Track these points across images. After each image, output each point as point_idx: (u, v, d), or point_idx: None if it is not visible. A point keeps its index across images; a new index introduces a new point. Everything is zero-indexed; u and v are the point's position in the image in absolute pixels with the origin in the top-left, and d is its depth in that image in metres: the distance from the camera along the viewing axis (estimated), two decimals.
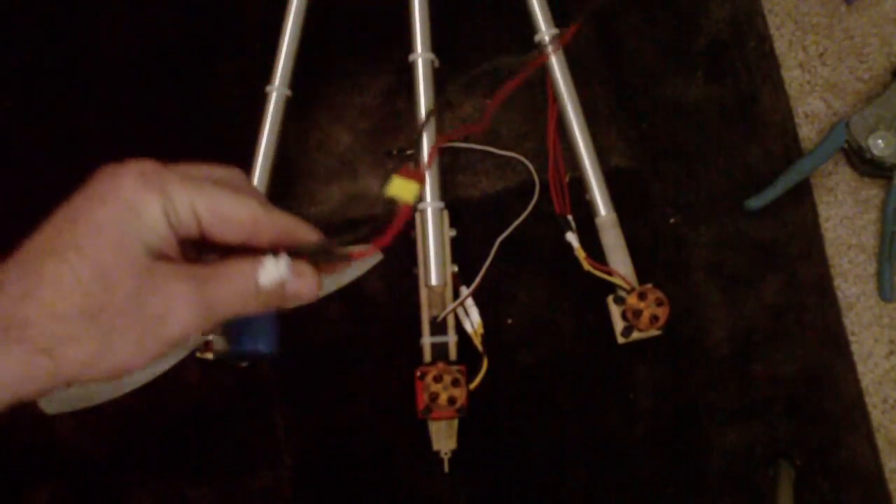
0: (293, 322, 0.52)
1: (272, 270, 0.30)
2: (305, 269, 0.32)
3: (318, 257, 0.32)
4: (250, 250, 0.31)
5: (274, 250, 0.31)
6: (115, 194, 0.29)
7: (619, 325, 0.53)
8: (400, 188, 0.36)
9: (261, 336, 0.37)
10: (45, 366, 0.28)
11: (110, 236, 0.29)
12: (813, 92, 0.60)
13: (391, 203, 0.35)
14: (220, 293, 0.30)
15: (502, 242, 0.56)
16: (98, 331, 0.28)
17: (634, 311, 0.52)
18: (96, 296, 0.28)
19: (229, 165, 0.33)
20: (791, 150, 0.58)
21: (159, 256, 0.29)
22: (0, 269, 0.29)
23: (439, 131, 0.57)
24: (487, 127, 0.44)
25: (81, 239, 0.29)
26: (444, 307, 0.53)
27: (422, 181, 0.36)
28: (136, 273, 0.29)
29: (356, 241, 0.35)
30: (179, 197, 0.30)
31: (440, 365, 0.50)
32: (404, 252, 0.55)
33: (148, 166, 0.30)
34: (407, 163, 0.37)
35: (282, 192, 0.57)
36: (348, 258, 0.33)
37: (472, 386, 0.51)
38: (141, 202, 0.29)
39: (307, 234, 0.32)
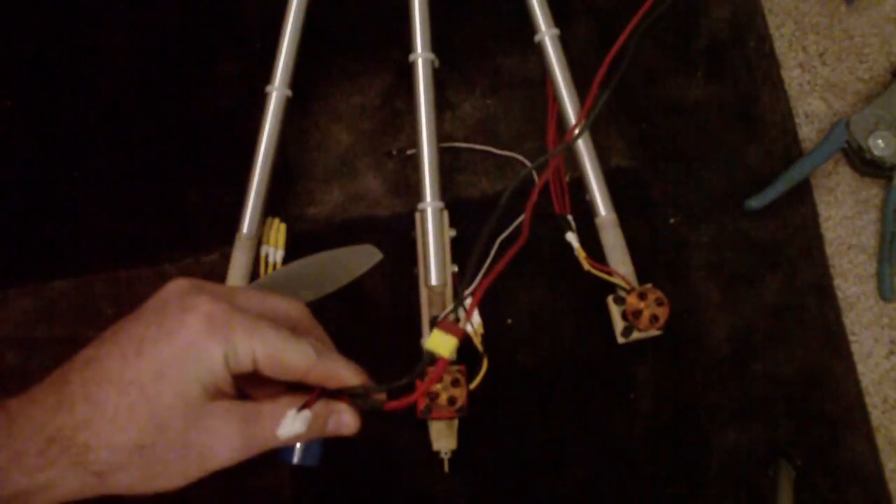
0: None
1: (289, 426, 0.33)
2: (345, 408, 0.35)
3: (356, 399, 0.36)
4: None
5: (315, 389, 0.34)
6: (181, 335, 0.31)
7: (619, 325, 0.53)
8: (438, 343, 0.37)
9: (308, 451, 0.41)
10: (94, 485, 0.31)
11: (171, 379, 0.31)
12: (813, 92, 0.60)
13: (429, 355, 0.37)
14: (263, 432, 0.33)
15: (502, 242, 0.56)
16: (147, 461, 0.31)
17: (634, 311, 0.52)
18: (150, 433, 0.31)
19: (295, 301, 0.37)
20: (791, 150, 0.58)
21: (213, 394, 0.32)
22: (72, 381, 0.31)
23: (439, 130, 0.57)
24: (524, 242, 0.47)
25: (144, 376, 0.31)
26: (444, 307, 0.53)
27: (460, 337, 0.38)
28: (189, 413, 0.31)
29: (395, 390, 0.37)
30: (242, 345, 0.32)
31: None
32: (404, 252, 0.55)
33: (217, 310, 0.32)
34: (449, 317, 0.41)
35: (282, 192, 0.57)
36: (382, 406, 0.36)
37: (472, 386, 0.51)
38: (204, 348, 0.31)
39: (352, 378, 0.35)
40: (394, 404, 0.36)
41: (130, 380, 0.31)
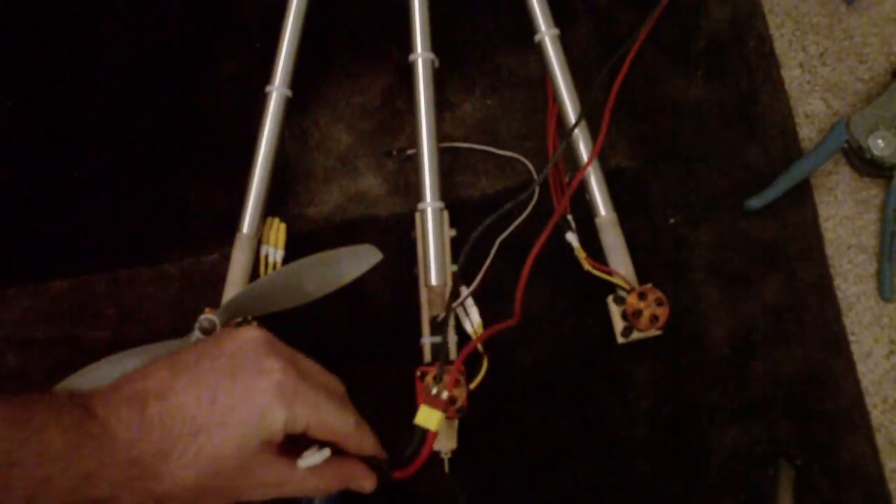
0: (293, 321, 0.52)
1: (309, 459, 0.38)
2: (365, 469, 0.42)
3: (371, 464, 0.42)
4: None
5: (325, 444, 0.39)
6: (254, 396, 0.36)
7: (619, 325, 0.53)
8: (425, 417, 0.44)
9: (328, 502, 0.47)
10: None
11: (235, 432, 0.35)
12: (813, 92, 0.60)
13: (418, 430, 0.44)
14: (295, 486, 0.38)
15: (502, 242, 0.56)
16: (197, 497, 0.36)
17: (634, 311, 0.52)
18: (208, 475, 0.35)
19: (335, 376, 0.42)
20: (791, 150, 0.58)
21: (266, 446, 0.37)
22: (151, 407, 0.35)
23: (439, 130, 0.57)
24: (518, 320, 0.52)
25: (212, 425, 0.35)
26: (444, 307, 0.53)
27: (445, 409, 0.45)
28: (242, 462, 0.36)
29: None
30: (302, 413, 0.37)
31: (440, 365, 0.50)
32: (404, 252, 0.55)
33: (287, 379, 0.37)
34: (433, 391, 0.47)
35: (282, 192, 0.57)
36: (391, 476, 0.43)
37: (472, 386, 0.51)
38: (270, 412, 0.36)
39: (374, 448, 0.42)
40: (400, 474, 0.43)
41: (201, 425, 0.35)
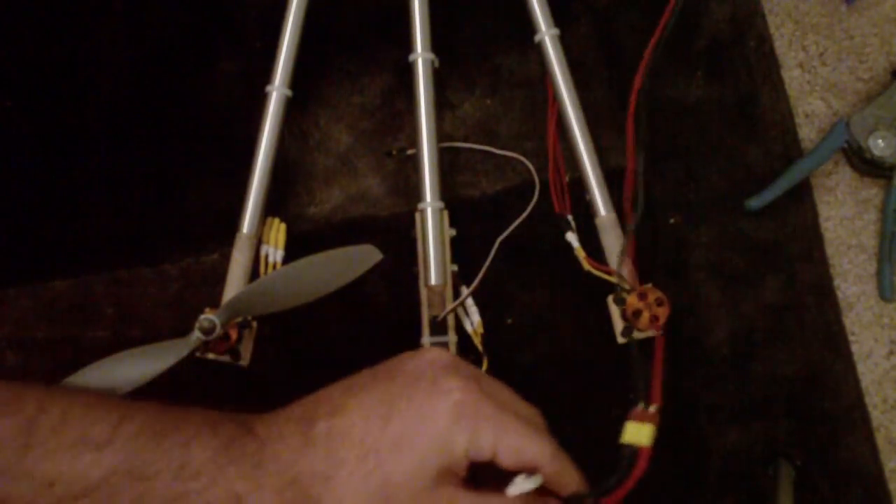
0: (293, 321, 0.52)
1: (521, 485, 0.34)
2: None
3: (569, 500, 0.37)
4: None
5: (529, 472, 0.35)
6: (430, 419, 0.32)
7: (619, 325, 0.53)
8: (635, 433, 0.39)
9: None
10: None
11: (409, 457, 0.32)
12: (813, 92, 0.60)
13: (627, 449, 0.39)
14: None
15: (502, 242, 0.56)
16: None
17: (634, 311, 0.52)
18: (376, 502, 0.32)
19: (532, 405, 0.38)
20: (791, 150, 0.58)
21: (445, 477, 0.32)
22: (318, 427, 0.32)
23: (439, 130, 0.57)
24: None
25: (384, 449, 0.32)
26: (444, 307, 0.53)
27: (657, 423, 0.39)
28: (417, 494, 0.32)
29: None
30: (486, 436, 0.32)
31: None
32: (404, 252, 0.55)
33: (468, 399, 0.33)
34: (637, 406, 0.42)
35: (282, 192, 0.57)
36: None
37: None
38: (450, 437, 0.32)
39: (576, 483, 0.36)
40: (608, 502, 0.37)
41: (371, 447, 0.32)
